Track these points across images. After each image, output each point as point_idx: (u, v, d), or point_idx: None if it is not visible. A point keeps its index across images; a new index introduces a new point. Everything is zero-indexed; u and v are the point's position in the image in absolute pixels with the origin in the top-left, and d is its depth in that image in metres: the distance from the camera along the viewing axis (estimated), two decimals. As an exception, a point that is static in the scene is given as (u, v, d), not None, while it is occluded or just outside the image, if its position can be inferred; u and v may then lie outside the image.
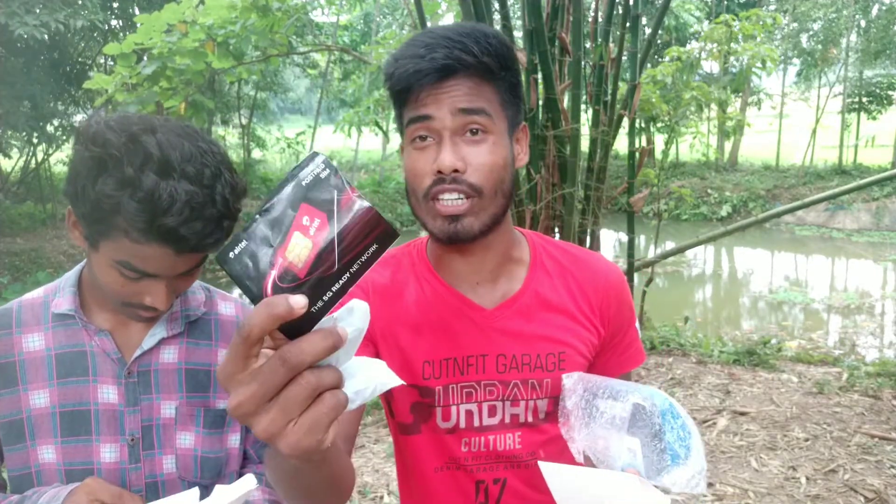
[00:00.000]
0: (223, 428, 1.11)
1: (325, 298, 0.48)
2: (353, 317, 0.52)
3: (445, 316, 1.02)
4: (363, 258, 0.48)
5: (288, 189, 0.48)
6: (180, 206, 0.88)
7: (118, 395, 1.05)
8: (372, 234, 0.48)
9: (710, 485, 3.11)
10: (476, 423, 1.03)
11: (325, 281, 0.47)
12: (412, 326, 1.02)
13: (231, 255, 0.48)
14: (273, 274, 0.47)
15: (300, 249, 0.47)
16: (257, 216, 0.48)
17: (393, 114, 1.02)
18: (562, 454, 1.02)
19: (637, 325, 1.12)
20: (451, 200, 0.91)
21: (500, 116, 0.95)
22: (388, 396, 1.05)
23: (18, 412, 1.03)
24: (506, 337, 1.01)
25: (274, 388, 0.48)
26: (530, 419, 1.03)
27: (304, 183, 0.48)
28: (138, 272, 0.94)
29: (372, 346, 1.02)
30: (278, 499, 1.20)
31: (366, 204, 0.48)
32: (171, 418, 1.07)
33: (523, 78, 4.00)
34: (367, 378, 0.54)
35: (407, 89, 0.92)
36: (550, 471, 0.87)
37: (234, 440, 1.13)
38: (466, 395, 1.02)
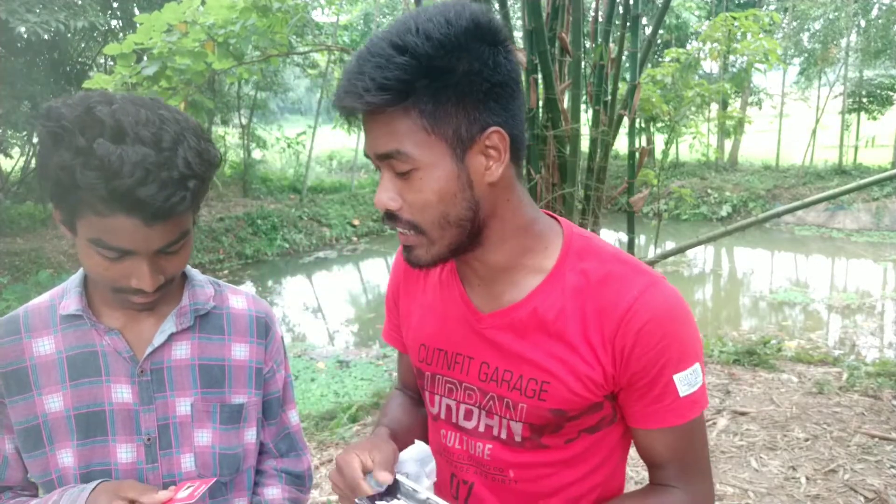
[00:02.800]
0: (239, 423, 1.11)
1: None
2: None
3: (447, 306, 1.01)
4: None
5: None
6: (131, 168, 0.85)
7: (132, 394, 1.04)
8: None
9: (710, 485, 3.12)
10: (454, 419, 1.02)
11: None
12: (423, 307, 1.04)
13: None
14: None
15: None
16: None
17: None
18: (535, 482, 0.98)
19: (683, 377, 0.89)
20: (400, 232, 0.89)
21: (430, 142, 0.82)
22: None
23: (34, 418, 1.02)
24: (493, 346, 0.96)
25: None
26: (503, 436, 0.98)
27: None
28: (112, 249, 0.91)
29: (396, 310, 1.13)
30: (298, 497, 1.22)
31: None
32: (188, 415, 1.06)
33: (524, 78, 4.01)
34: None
35: None
36: None
37: (250, 435, 1.13)
38: (448, 390, 1.01)
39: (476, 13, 0.82)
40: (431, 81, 0.80)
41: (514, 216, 0.91)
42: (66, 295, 1.06)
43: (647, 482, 1.00)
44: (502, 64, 0.83)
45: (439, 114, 0.81)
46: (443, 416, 1.03)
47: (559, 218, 0.99)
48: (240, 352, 1.12)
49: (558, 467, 0.97)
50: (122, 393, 1.04)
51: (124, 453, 1.04)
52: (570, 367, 0.91)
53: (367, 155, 0.88)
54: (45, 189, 0.92)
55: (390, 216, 0.87)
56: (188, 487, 0.94)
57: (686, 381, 0.90)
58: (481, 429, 0.99)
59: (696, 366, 0.91)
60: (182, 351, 1.07)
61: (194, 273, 1.14)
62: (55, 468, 1.02)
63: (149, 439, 1.04)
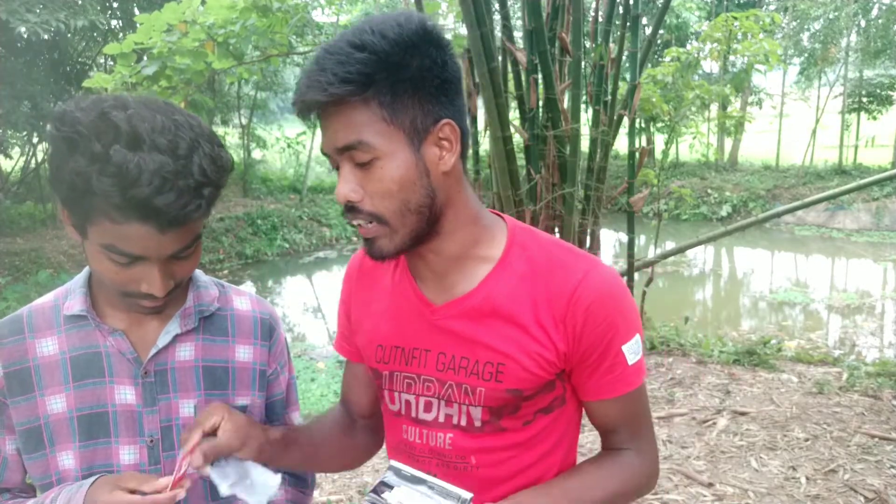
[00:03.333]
0: None
1: None
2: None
3: (401, 305, 1.04)
4: None
5: None
6: (149, 176, 0.85)
7: (136, 395, 1.03)
8: None
9: (710, 485, 3.12)
10: (413, 413, 1.05)
11: None
12: (378, 310, 1.07)
13: None
14: None
15: None
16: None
17: None
18: (496, 467, 1.01)
19: (630, 347, 0.98)
20: (361, 225, 0.92)
21: (389, 132, 0.87)
22: None
23: (36, 419, 1.02)
24: (448, 336, 1.00)
25: None
26: (463, 423, 1.01)
27: None
28: (126, 255, 0.91)
29: (347, 321, 1.15)
30: (301, 499, 1.21)
31: None
32: (191, 417, 1.06)
33: (524, 78, 4.02)
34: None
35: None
36: None
37: None
38: (407, 385, 1.04)
39: (423, 19, 0.90)
40: (389, 75, 0.86)
41: (466, 207, 0.97)
42: (70, 295, 1.05)
43: None
44: (448, 64, 0.91)
45: (397, 105, 0.87)
46: (402, 411, 1.06)
47: (500, 213, 1.06)
48: (244, 353, 1.12)
49: (518, 450, 1.01)
50: (126, 394, 1.03)
51: (127, 455, 1.03)
52: (523, 347, 0.96)
53: (324, 153, 0.92)
54: (58, 192, 0.91)
55: (351, 209, 0.91)
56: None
57: (632, 351, 0.99)
58: (441, 419, 1.02)
59: (638, 336, 1.00)
60: (186, 352, 1.07)
61: (198, 274, 1.13)
62: (55, 470, 1.02)
63: (151, 441, 1.04)
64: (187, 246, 0.95)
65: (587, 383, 1.00)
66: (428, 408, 1.03)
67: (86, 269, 1.08)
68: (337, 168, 0.92)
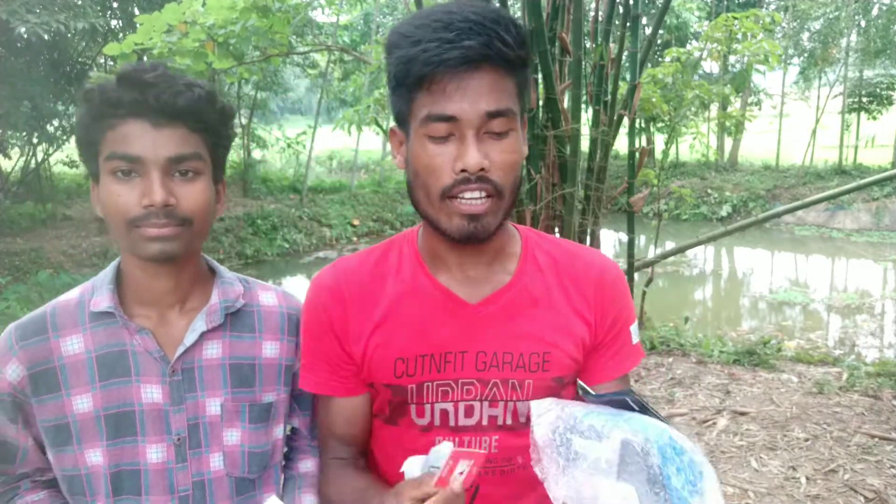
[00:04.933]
0: (268, 421, 1.10)
1: None
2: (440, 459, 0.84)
3: (426, 309, 0.98)
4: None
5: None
6: (145, 70, 0.95)
7: (163, 394, 1.03)
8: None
9: (710, 485, 3.12)
10: (451, 422, 0.99)
11: None
12: (388, 321, 0.99)
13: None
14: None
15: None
16: None
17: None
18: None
19: (634, 327, 1.05)
20: (473, 200, 0.88)
21: (518, 110, 0.90)
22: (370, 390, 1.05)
23: (63, 417, 1.01)
24: (488, 333, 0.97)
25: None
26: (509, 422, 0.99)
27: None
28: (124, 158, 0.94)
29: (337, 342, 1.01)
30: None
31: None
32: (218, 415, 1.06)
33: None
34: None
35: (427, 75, 0.85)
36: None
37: (278, 431, 1.13)
38: (442, 394, 0.98)
39: None
40: (527, 60, 0.90)
41: None
42: (96, 291, 1.04)
43: None
44: None
45: (523, 90, 0.91)
46: (437, 422, 0.99)
47: None
48: (270, 350, 1.11)
49: None
50: (153, 393, 1.03)
51: (154, 453, 1.03)
52: (566, 332, 0.99)
53: (446, 117, 0.85)
54: (80, 146, 0.99)
55: (477, 179, 0.87)
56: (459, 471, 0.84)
57: (635, 331, 1.06)
58: (484, 422, 0.99)
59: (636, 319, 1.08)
60: (213, 350, 1.06)
61: (223, 270, 1.14)
62: (84, 465, 1.02)
63: (179, 439, 1.04)
64: (184, 156, 0.97)
65: (598, 363, 1.03)
66: (469, 413, 0.99)
67: (112, 265, 1.07)
68: (441, 137, 0.87)
